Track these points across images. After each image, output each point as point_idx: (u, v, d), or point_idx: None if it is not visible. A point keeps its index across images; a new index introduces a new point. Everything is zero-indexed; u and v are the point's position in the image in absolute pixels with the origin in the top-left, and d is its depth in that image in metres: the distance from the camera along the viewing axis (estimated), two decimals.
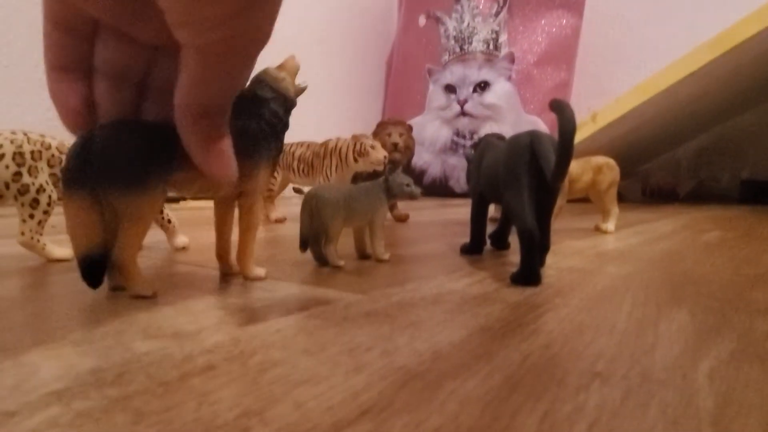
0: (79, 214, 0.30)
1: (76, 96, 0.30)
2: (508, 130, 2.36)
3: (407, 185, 0.49)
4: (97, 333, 0.25)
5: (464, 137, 2.54)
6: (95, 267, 0.31)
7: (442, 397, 0.18)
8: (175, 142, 0.30)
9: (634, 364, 0.22)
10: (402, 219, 1.00)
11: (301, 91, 0.41)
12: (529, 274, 0.37)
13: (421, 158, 2.60)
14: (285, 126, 0.40)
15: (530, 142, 0.40)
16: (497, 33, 2.54)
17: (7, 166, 0.43)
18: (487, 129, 2.47)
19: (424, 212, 1.32)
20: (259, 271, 0.40)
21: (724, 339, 0.25)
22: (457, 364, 0.22)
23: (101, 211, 0.30)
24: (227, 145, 0.31)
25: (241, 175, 0.35)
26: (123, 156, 0.29)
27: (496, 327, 0.27)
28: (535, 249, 0.37)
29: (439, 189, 2.55)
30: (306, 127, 2.57)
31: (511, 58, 2.51)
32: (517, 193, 0.40)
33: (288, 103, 0.40)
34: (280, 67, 0.40)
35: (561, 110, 0.34)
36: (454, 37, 2.63)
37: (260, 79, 0.39)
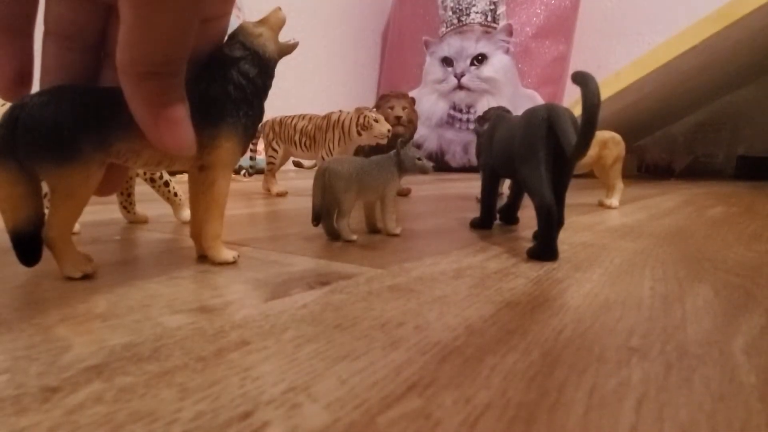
0: (4, 188, 0.27)
1: (12, 63, 0.27)
2: (505, 104, 2.34)
3: (419, 159, 0.48)
4: (122, 307, 0.25)
5: (461, 111, 2.52)
6: (27, 243, 0.28)
7: (485, 372, 0.18)
8: (118, 108, 0.27)
9: (669, 340, 0.22)
10: (404, 193, 1.00)
11: (288, 48, 0.36)
12: (547, 249, 0.37)
13: (418, 132, 2.58)
14: (259, 89, 0.34)
15: (547, 116, 0.40)
16: (495, 4, 2.50)
17: None
18: (484, 103, 2.45)
19: (423, 187, 1.31)
20: (227, 255, 0.35)
21: (752, 315, 0.25)
22: (492, 339, 0.21)
23: (31, 185, 0.28)
24: (180, 111, 0.27)
25: (201, 146, 0.31)
26: (50, 123, 0.26)
27: (524, 302, 0.27)
28: (554, 224, 0.37)
29: (436, 163, 2.54)
30: (300, 99, 2.54)
31: (509, 31, 2.48)
32: (535, 167, 0.39)
33: (264, 63, 0.34)
34: (261, 21, 0.35)
35: (585, 83, 0.33)
36: (452, 8, 2.58)
37: (232, 36, 0.34)
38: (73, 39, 0.29)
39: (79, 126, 0.27)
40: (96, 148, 0.28)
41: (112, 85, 0.29)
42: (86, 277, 0.31)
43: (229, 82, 0.32)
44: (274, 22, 0.35)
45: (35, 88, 0.29)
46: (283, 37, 0.37)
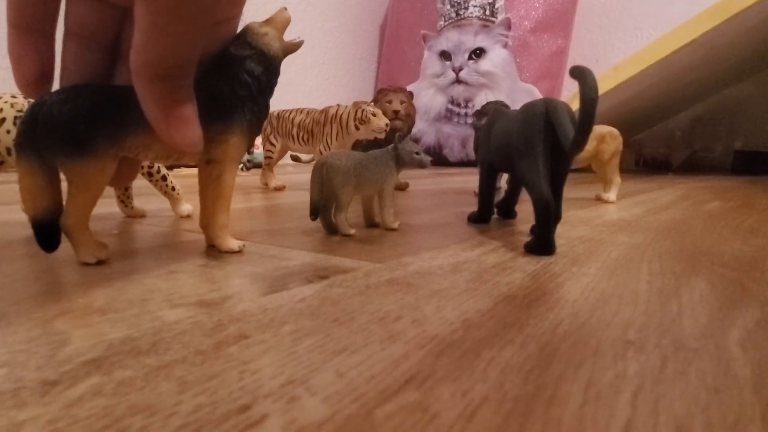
0: (25, 179, 0.29)
1: (34, 63, 0.29)
2: (503, 99, 2.34)
3: (416, 153, 0.48)
4: (121, 301, 0.25)
5: (459, 105, 2.52)
6: (46, 231, 0.30)
7: (482, 365, 0.18)
8: (130, 105, 0.29)
9: (665, 333, 0.22)
10: (402, 187, 1.00)
11: (293, 47, 0.37)
12: (544, 244, 0.37)
13: (415, 126, 2.57)
14: (264, 87, 0.36)
15: (545, 110, 0.40)
16: None
17: (8, 131, 0.42)
18: (482, 97, 2.45)
19: (421, 181, 1.31)
20: (233, 244, 0.37)
21: (747, 308, 0.26)
22: (489, 333, 0.22)
23: (50, 176, 0.29)
24: (189, 110, 0.29)
25: (208, 140, 0.33)
26: (67, 120, 0.28)
27: (521, 296, 0.27)
28: (551, 218, 0.37)
29: (434, 158, 2.54)
30: (297, 93, 2.53)
31: (508, 25, 2.47)
32: (533, 162, 0.39)
33: (269, 61, 0.35)
34: (267, 21, 0.36)
35: (583, 77, 0.33)
36: (450, 1, 2.57)
37: (239, 35, 0.35)
38: (91, 39, 0.30)
39: (95, 122, 0.29)
40: (110, 142, 0.30)
41: (125, 83, 0.30)
42: (100, 262, 0.33)
43: (235, 80, 0.34)
44: (279, 21, 0.36)
45: (55, 85, 0.31)
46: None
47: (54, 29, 0.30)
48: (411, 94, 0.99)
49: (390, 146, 0.48)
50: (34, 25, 0.28)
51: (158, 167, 0.53)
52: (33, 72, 0.29)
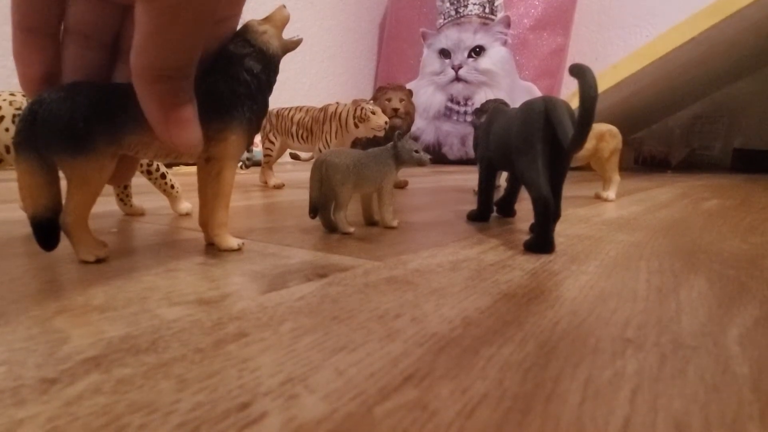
0: (24, 177, 0.29)
1: (39, 64, 0.29)
2: (502, 97, 2.33)
3: (416, 152, 0.48)
4: (119, 299, 0.25)
5: (458, 103, 2.52)
6: (45, 229, 0.30)
7: (481, 363, 0.18)
8: (129, 103, 0.29)
9: (664, 331, 0.22)
10: (401, 186, 1.00)
11: (292, 44, 0.37)
12: (543, 242, 0.37)
13: (415, 124, 2.57)
14: (264, 85, 0.35)
15: (544, 108, 0.40)
16: None
17: (6, 129, 0.42)
18: (481, 95, 2.45)
19: (420, 179, 1.31)
20: (232, 242, 0.37)
21: (746, 306, 0.26)
22: (489, 331, 0.22)
23: (50, 174, 0.29)
24: (189, 111, 0.29)
25: (208, 138, 0.33)
26: (66, 118, 0.28)
27: (520, 294, 0.27)
28: (550, 217, 0.37)
29: (433, 156, 2.54)
30: (297, 91, 2.53)
31: (507, 23, 2.47)
32: (532, 160, 0.39)
33: (268, 59, 0.35)
34: (266, 19, 0.36)
35: (582, 75, 0.33)
36: None
37: (239, 33, 0.35)
38: (91, 38, 0.31)
39: (93, 120, 0.29)
40: (108, 140, 0.30)
41: (125, 81, 0.30)
42: (99, 261, 0.33)
43: (234, 78, 0.34)
44: (278, 19, 0.36)
45: None
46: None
47: (59, 31, 0.30)
48: (410, 92, 0.99)
49: (389, 144, 0.48)
50: (40, 27, 0.29)
51: (157, 165, 0.53)
52: (38, 74, 0.29)
